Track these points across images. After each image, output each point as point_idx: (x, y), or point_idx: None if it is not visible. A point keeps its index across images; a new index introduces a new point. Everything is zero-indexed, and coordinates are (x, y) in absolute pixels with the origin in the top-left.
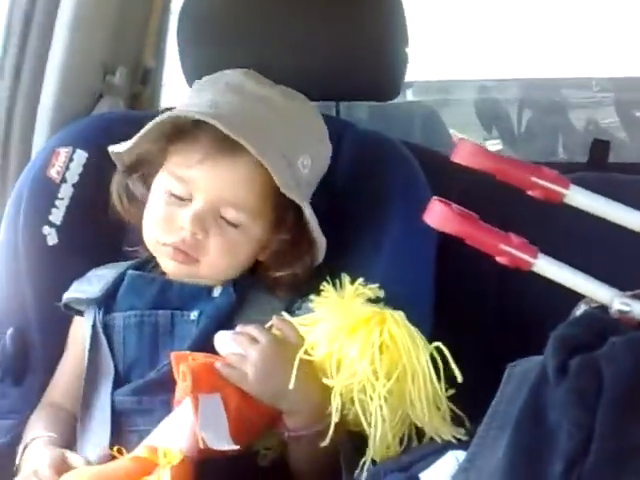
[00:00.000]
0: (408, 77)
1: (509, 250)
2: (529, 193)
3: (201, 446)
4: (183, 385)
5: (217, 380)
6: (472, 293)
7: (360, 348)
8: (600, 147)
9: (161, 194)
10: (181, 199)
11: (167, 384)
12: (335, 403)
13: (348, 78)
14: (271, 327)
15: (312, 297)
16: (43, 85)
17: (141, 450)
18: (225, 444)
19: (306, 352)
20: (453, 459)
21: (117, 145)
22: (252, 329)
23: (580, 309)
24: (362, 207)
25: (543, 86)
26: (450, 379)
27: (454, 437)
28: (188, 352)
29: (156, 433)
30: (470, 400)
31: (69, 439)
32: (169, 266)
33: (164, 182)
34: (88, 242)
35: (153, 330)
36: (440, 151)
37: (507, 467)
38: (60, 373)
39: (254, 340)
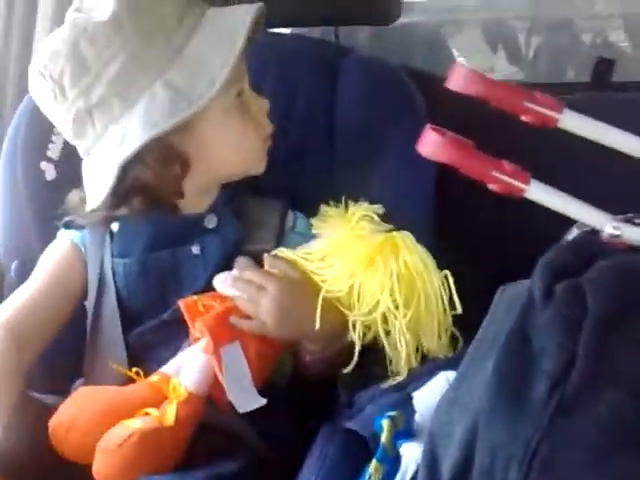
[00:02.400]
0: None
1: (501, 177)
2: (522, 118)
3: (229, 399)
4: (201, 336)
5: (234, 329)
6: (471, 223)
7: (380, 280)
8: (604, 66)
9: (232, 109)
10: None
11: (181, 322)
12: (357, 333)
13: (345, 2)
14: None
15: (315, 221)
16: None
17: (156, 377)
18: (253, 402)
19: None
20: (444, 378)
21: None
22: (254, 275)
23: (572, 233)
24: (361, 134)
25: (550, 3)
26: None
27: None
28: (195, 297)
29: (172, 363)
30: (468, 328)
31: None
32: (264, 161)
33: (222, 104)
34: None
35: (158, 273)
36: (441, 76)
37: (493, 387)
38: (28, 296)
39: (261, 287)
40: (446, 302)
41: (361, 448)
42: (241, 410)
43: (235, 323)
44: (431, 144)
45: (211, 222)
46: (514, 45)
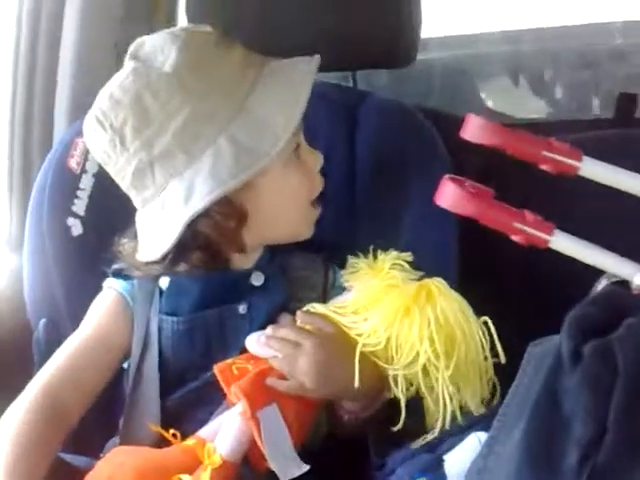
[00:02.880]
0: (424, 34)
1: (523, 228)
2: (542, 167)
3: (270, 466)
4: (237, 400)
5: (271, 390)
6: (497, 270)
7: (418, 330)
8: (627, 101)
9: (289, 163)
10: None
11: (216, 390)
12: (400, 387)
13: (361, 47)
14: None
15: (345, 273)
16: (58, 73)
17: (192, 442)
18: (295, 468)
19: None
20: (476, 440)
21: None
22: (288, 333)
23: (601, 284)
24: (381, 181)
25: (566, 35)
26: None
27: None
28: (229, 360)
29: (208, 427)
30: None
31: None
32: (313, 227)
33: (282, 158)
34: (113, 232)
35: (204, 332)
36: (460, 116)
37: (523, 454)
38: (70, 354)
39: (296, 344)
40: (487, 350)
41: None
42: (284, 478)
43: (272, 384)
44: (449, 196)
45: (258, 280)
46: (537, 79)
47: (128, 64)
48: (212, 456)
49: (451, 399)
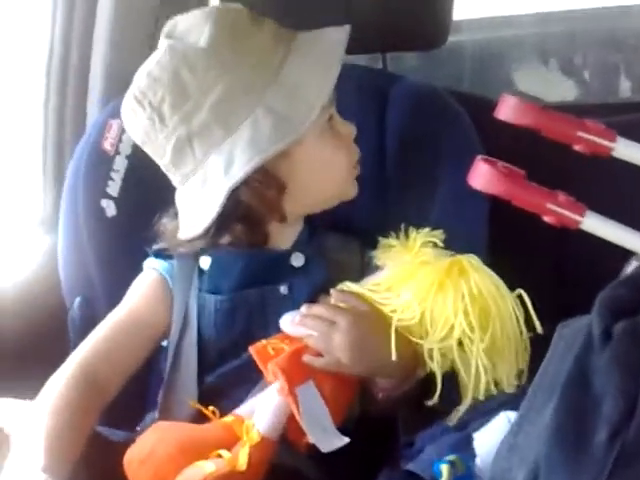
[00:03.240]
0: (456, 16)
1: (555, 209)
2: (575, 148)
3: (310, 441)
4: (275, 379)
5: (307, 368)
6: (528, 252)
7: (453, 303)
8: None
9: (323, 133)
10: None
11: (255, 369)
12: (435, 360)
13: (392, 28)
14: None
15: (378, 252)
16: (92, 52)
17: (231, 419)
18: (336, 440)
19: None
20: (505, 419)
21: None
22: (323, 311)
23: (632, 265)
24: (412, 163)
25: (596, 17)
26: None
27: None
28: (264, 341)
29: (246, 405)
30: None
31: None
32: (356, 186)
33: (317, 128)
34: (146, 212)
35: (246, 312)
36: (492, 99)
37: (553, 432)
38: (108, 331)
39: (331, 322)
40: (522, 323)
41: None
42: (325, 450)
43: (308, 362)
44: (482, 177)
45: (298, 261)
46: (567, 61)
47: (163, 42)
48: (250, 432)
49: (486, 371)
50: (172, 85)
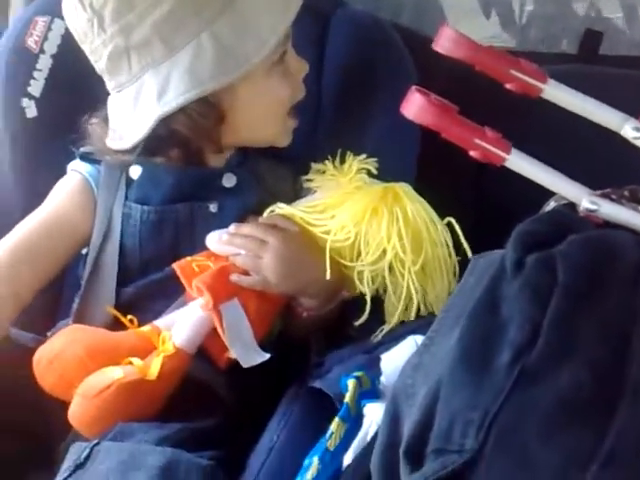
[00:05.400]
0: None
1: (482, 144)
2: (507, 86)
3: (231, 356)
4: (199, 296)
5: (233, 285)
6: (451, 185)
7: (386, 227)
8: (592, 38)
9: (271, 73)
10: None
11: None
12: (366, 282)
13: None
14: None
15: (311, 177)
16: None
17: (147, 328)
18: (257, 356)
19: (322, 241)
20: (412, 342)
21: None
22: (253, 230)
23: (549, 205)
24: (348, 91)
25: None
26: None
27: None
28: (189, 258)
29: (166, 318)
30: None
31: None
32: (290, 136)
33: (266, 64)
34: (70, 116)
35: (173, 226)
36: (431, 37)
37: (458, 352)
38: (28, 232)
39: (261, 242)
40: (451, 248)
41: (327, 407)
42: (246, 365)
43: (236, 280)
44: (415, 106)
45: (230, 181)
46: (507, 10)
47: None
48: (166, 343)
49: (417, 292)
50: None
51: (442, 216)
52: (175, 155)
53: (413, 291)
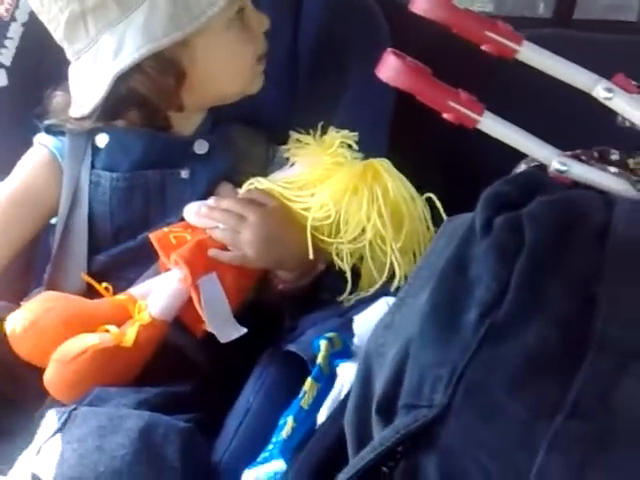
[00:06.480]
0: None
1: (455, 106)
2: (483, 47)
3: (208, 329)
4: (175, 266)
5: (210, 259)
6: (425, 151)
7: (366, 206)
8: (566, 2)
9: (231, 25)
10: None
11: (150, 251)
12: (345, 260)
13: None
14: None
15: (290, 146)
16: None
17: (123, 297)
18: (234, 331)
19: (301, 217)
20: (384, 303)
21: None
22: (233, 205)
23: (520, 167)
24: (324, 55)
25: None
26: None
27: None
28: (166, 229)
29: (141, 286)
30: None
31: None
32: (260, 81)
33: (223, 19)
34: (41, 85)
35: (144, 193)
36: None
37: (428, 311)
38: None
39: (240, 217)
40: (430, 224)
41: (301, 369)
42: (223, 340)
43: (214, 255)
44: (390, 68)
45: (201, 148)
46: None
47: None
48: (142, 312)
49: (400, 267)
50: None
51: (416, 183)
52: (136, 117)
53: (396, 266)
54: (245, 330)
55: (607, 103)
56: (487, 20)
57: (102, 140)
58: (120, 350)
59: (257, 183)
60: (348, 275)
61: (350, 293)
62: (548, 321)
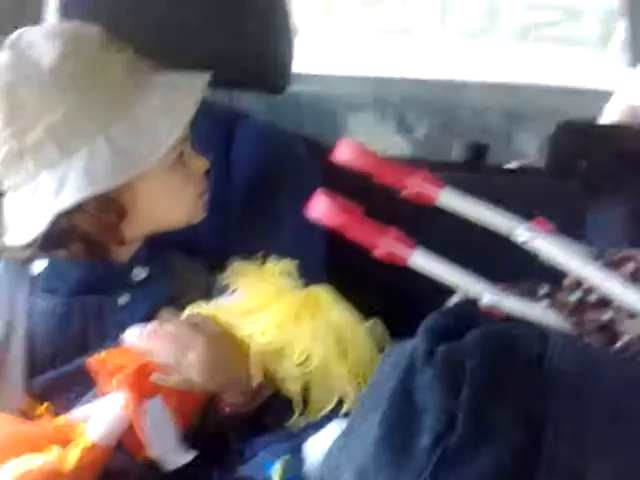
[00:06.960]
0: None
1: (385, 244)
2: (403, 194)
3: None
4: (115, 391)
5: (154, 384)
6: (359, 283)
7: (310, 333)
8: (478, 150)
9: (172, 168)
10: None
11: (87, 375)
12: (291, 386)
13: (239, 66)
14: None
15: (230, 274)
16: None
17: (64, 420)
18: (181, 457)
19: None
20: (337, 427)
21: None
22: (177, 329)
23: (453, 300)
24: (255, 189)
25: (429, 86)
26: None
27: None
28: (103, 354)
29: (81, 410)
30: None
31: None
32: (203, 210)
33: (163, 165)
34: None
35: (82, 319)
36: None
37: (381, 435)
38: None
39: (185, 342)
40: (374, 350)
41: None
42: (169, 468)
43: (159, 381)
44: (320, 208)
45: (140, 274)
46: (405, 125)
47: (5, 53)
48: (83, 435)
49: (348, 395)
50: (7, 99)
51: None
52: (77, 249)
53: (345, 391)
54: (193, 455)
55: (525, 247)
56: (406, 169)
57: (39, 266)
58: (63, 473)
59: (200, 308)
60: (295, 402)
61: (299, 415)
62: (499, 446)
